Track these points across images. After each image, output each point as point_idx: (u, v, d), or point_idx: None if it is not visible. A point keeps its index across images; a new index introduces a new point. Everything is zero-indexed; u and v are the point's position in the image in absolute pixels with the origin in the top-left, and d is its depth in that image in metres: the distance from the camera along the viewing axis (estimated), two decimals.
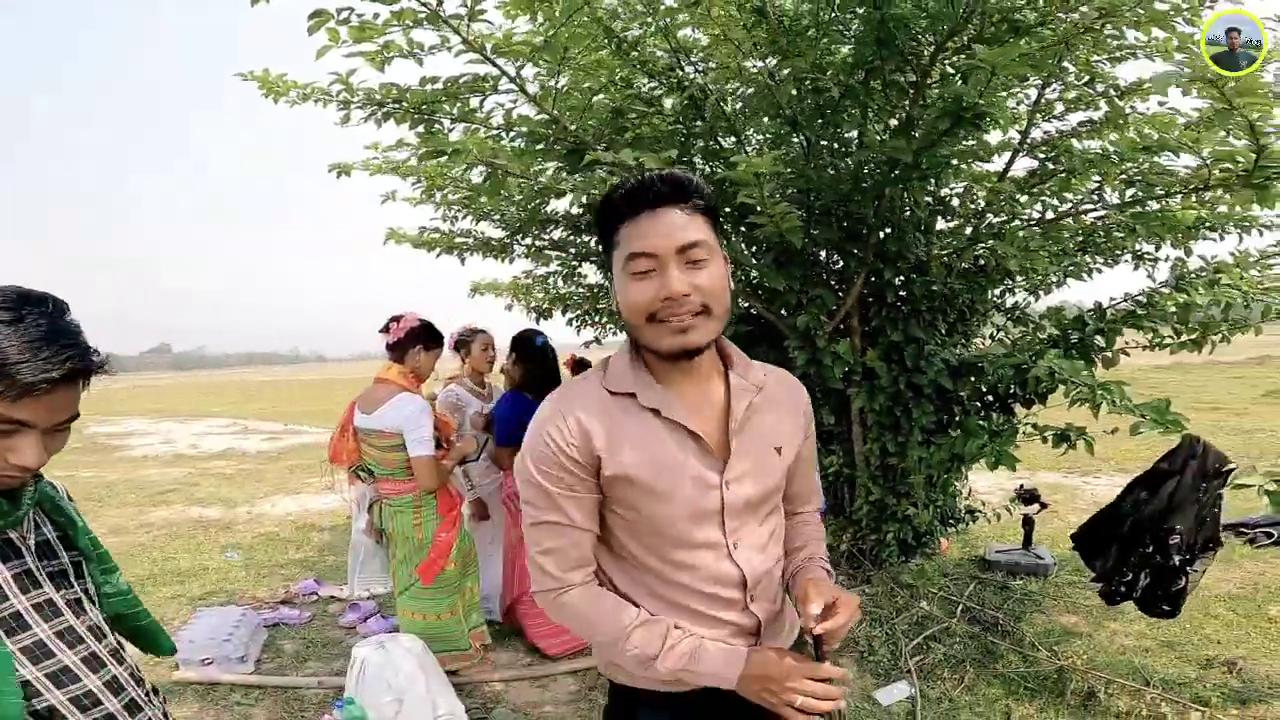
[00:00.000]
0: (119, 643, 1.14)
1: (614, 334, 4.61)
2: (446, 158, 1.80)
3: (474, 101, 2.16)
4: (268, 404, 21.56)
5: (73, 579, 1.06)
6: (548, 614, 1.14)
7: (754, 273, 3.17)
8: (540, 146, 2.62)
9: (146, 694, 1.16)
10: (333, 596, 4.12)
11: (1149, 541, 2.46)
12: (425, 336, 2.68)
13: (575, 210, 3.38)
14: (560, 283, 4.55)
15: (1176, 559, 2.39)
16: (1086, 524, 2.73)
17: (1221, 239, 3.07)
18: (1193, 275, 2.87)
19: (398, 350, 2.68)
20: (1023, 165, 3.15)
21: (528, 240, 3.92)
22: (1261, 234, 3.04)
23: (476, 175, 2.60)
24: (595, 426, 1.04)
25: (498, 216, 3.59)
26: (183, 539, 5.62)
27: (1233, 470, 2.31)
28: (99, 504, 6.97)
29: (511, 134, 2.41)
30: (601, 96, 2.52)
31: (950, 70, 2.02)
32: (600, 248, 1.12)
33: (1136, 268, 3.38)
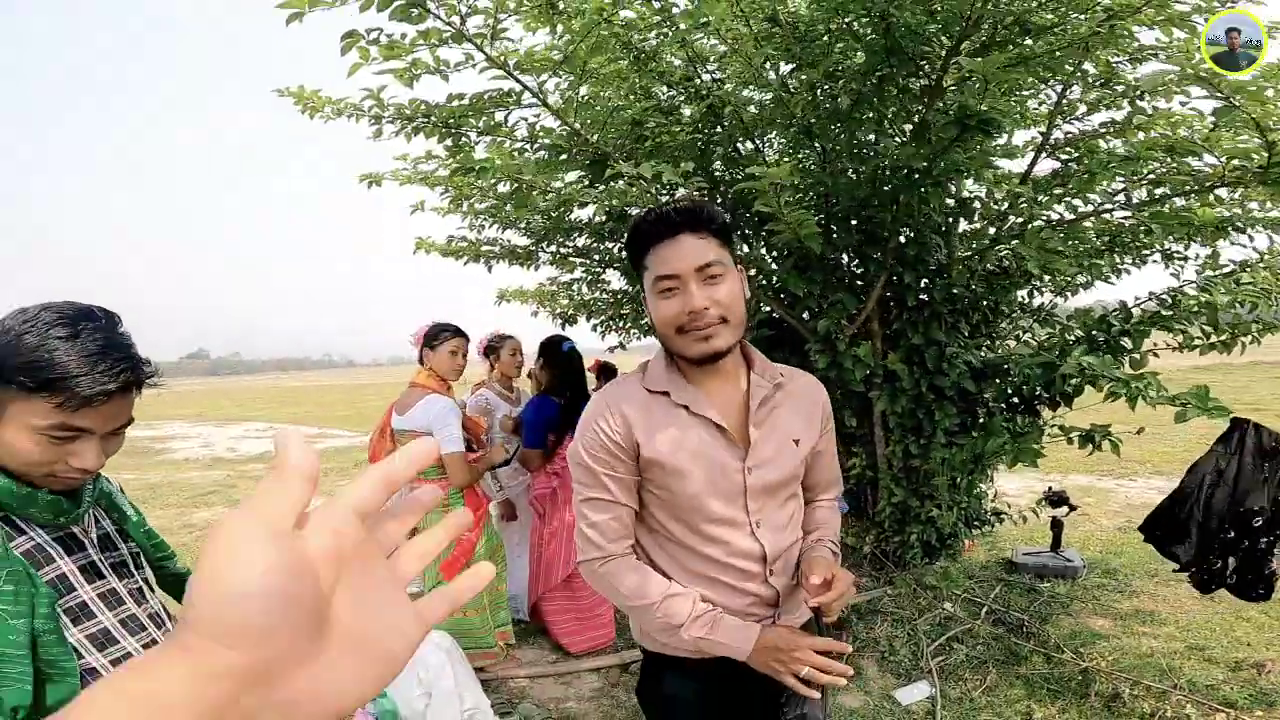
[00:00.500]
0: (163, 609, 1.20)
1: (638, 339, 4.68)
2: (475, 174, 1.88)
3: (499, 116, 2.25)
4: (301, 408, 22.08)
5: (133, 569, 1.13)
6: (590, 582, 1.29)
7: (775, 278, 3.21)
8: (564, 158, 2.70)
9: None
10: None
11: (1229, 526, 2.41)
12: (426, 338, 2.83)
13: (599, 218, 3.45)
14: (585, 289, 4.62)
15: (1262, 542, 2.35)
16: (1153, 513, 2.67)
17: (1251, 239, 3.03)
18: (1216, 275, 2.83)
19: (421, 356, 2.86)
20: (1046, 166, 3.14)
21: (552, 248, 4.01)
22: None
23: (504, 185, 2.69)
24: (636, 418, 1.22)
25: (523, 225, 3.67)
26: None
27: None
28: (143, 505, 7.19)
29: (535, 146, 2.49)
30: (621, 107, 2.58)
31: (957, 77, 2.04)
32: (633, 268, 1.31)
33: (1167, 266, 3.34)
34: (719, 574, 1.25)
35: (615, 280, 4.43)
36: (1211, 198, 2.56)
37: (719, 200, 3.01)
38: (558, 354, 3.29)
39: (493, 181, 1.98)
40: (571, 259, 4.17)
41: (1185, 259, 3.35)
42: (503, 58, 1.95)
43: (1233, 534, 2.39)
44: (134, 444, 12.98)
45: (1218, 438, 2.46)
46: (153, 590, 1.18)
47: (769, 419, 1.26)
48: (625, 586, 1.23)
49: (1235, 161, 2.02)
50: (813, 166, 2.88)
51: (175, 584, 1.30)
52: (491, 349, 3.59)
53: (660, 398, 1.23)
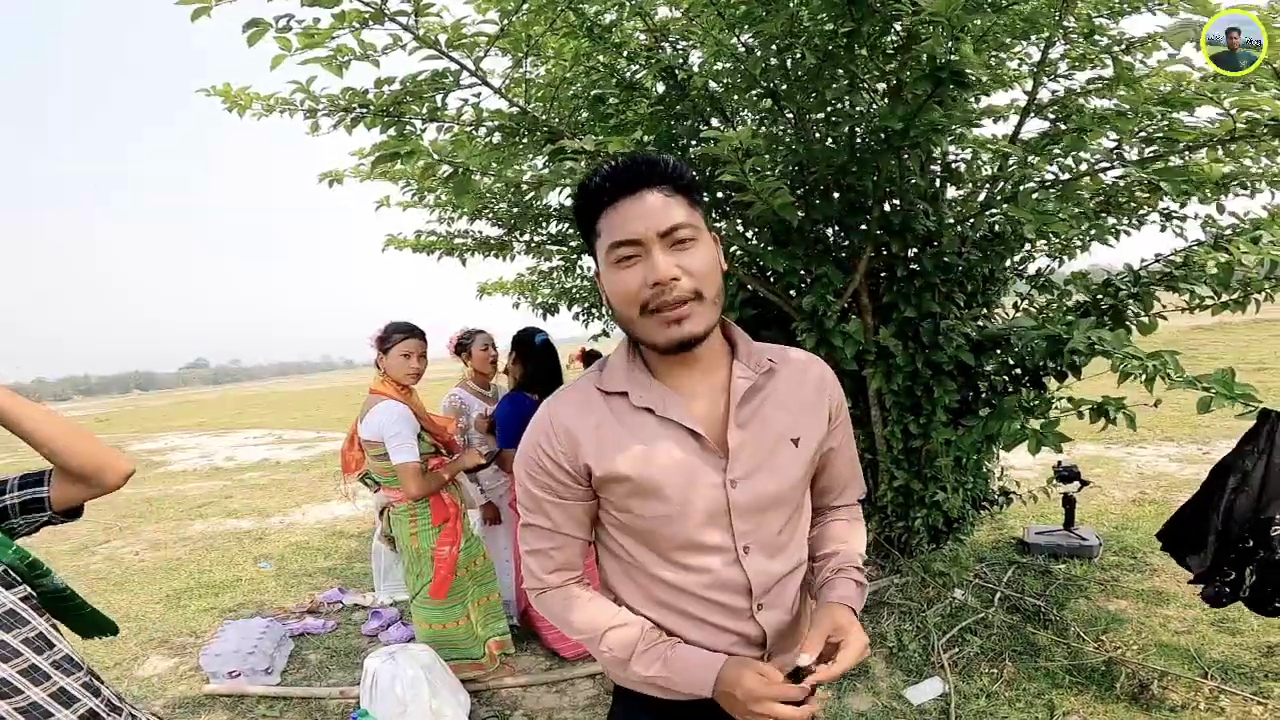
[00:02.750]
0: (70, 653, 1.17)
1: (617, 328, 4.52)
2: (401, 160, 1.71)
3: (438, 99, 2.06)
4: (301, 413, 22.04)
5: (24, 618, 1.10)
6: (535, 608, 1.13)
7: (756, 255, 3.02)
8: (524, 140, 2.52)
9: (108, 704, 1.18)
10: (357, 605, 4.13)
11: (1248, 535, 2.22)
12: (379, 341, 2.68)
13: (567, 202, 3.27)
14: (563, 277, 4.46)
15: None
16: (1172, 519, 2.45)
17: (1253, 196, 2.83)
18: (1232, 232, 2.64)
19: (376, 360, 2.72)
20: (1034, 127, 2.94)
21: (526, 236, 3.83)
22: None
23: (446, 173, 2.52)
24: (584, 433, 1.00)
25: (490, 215, 3.50)
26: (218, 551, 5.73)
27: None
28: (140, 519, 7.15)
29: (485, 130, 2.31)
30: (576, 85, 2.40)
31: (923, 23, 1.85)
32: (583, 237, 1.06)
33: (1164, 228, 3.14)
34: (694, 608, 1.03)
35: (593, 266, 4.27)
36: (1217, 153, 2.35)
37: None
38: (531, 347, 3.12)
39: (423, 166, 1.81)
40: (547, 247, 4.00)
41: (1184, 218, 3.16)
42: (431, 35, 1.77)
43: (1252, 543, 2.19)
44: (134, 459, 12.92)
45: (1244, 435, 2.24)
46: (37, 611, 1.14)
47: (756, 417, 1.02)
48: (567, 617, 1.06)
49: (1247, 114, 1.83)
50: (782, 133, 2.68)
51: (55, 601, 1.24)
52: (462, 346, 3.43)
53: (617, 400, 1.01)
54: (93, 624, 1.32)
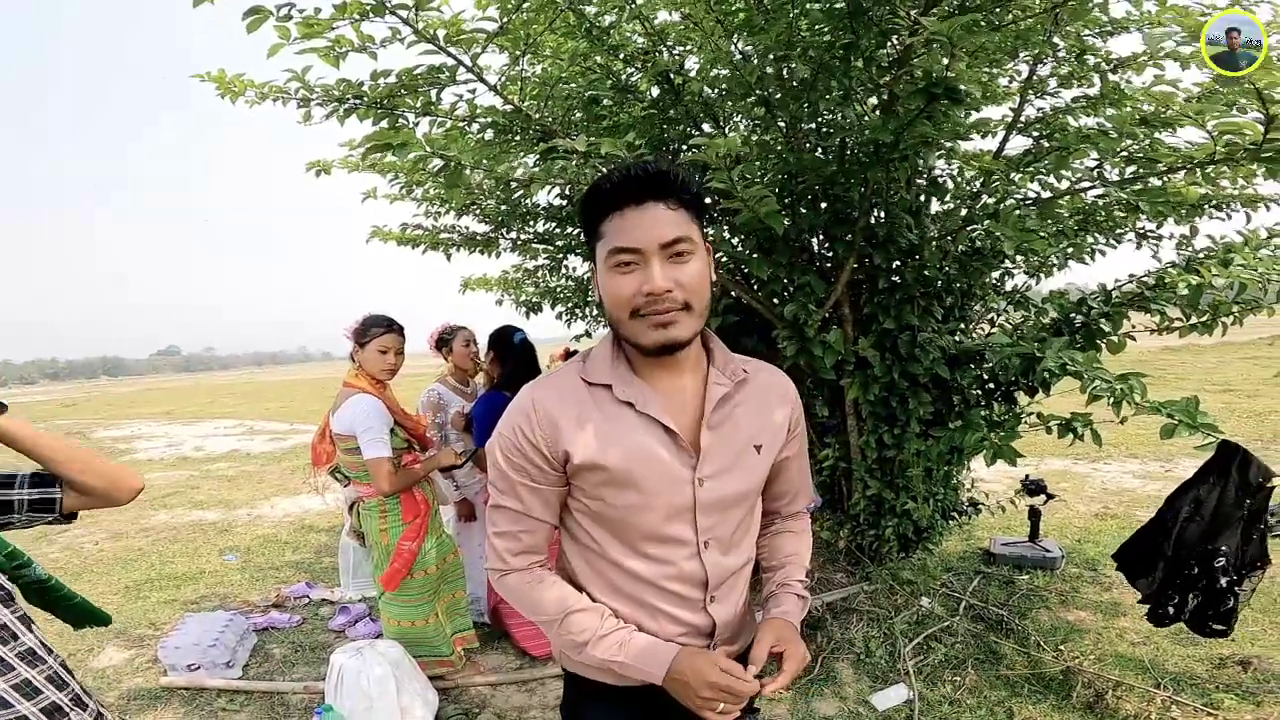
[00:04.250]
0: (42, 645, 1.16)
1: (604, 326, 4.52)
2: (393, 151, 1.71)
3: (433, 93, 2.06)
4: (274, 404, 21.65)
5: None
6: (496, 590, 1.18)
7: (741, 261, 3.06)
8: (517, 138, 2.52)
9: (74, 698, 1.17)
10: (325, 600, 4.07)
11: (1194, 562, 2.32)
12: (356, 334, 2.64)
13: (556, 202, 3.28)
14: (548, 275, 4.45)
15: (1224, 581, 2.26)
16: (1128, 541, 2.57)
17: (1228, 217, 2.94)
18: (1204, 255, 2.73)
19: (351, 353, 2.68)
20: (1018, 144, 3.02)
21: (512, 234, 3.83)
22: (1269, 209, 2.90)
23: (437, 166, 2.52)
24: (566, 420, 1.04)
25: (478, 211, 3.49)
26: (181, 543, 5.60)
27: (1276, 486, 2.19)
28: (101, 509, 6.97)
29: (477, 126, 2.31)
30: (571, 85, 2.41)
31: (923, 41, 1.90)
32: (584, 237, 1.11)
33: (1139, 247, 3.25)
34: (653, 598, 1.09)
35: (579, 266, 4.27)
36: (1199, 175, 2.44)
37: None
38: (509, 345, 3.12)
39: (414, 159, 1.81)
40: (533, 245, 3.99)
41: (1159, 238, 3.27)
42: (430, 30, 1.77)
43: (1197, 570, 2.30)
44: (98, 445, 12.59)
45: (1203, 465, 2.34)
46: (3, 603, 1.14)
47: (727, 421, 1.09)
48: (527, 600, 1.11)
49: (1228, 137, 1.90)
50: (773, 141, 2.72)
51: (39, 593, 1.26)
52: (443, 341, 3.41)
53: (601, 391, 1.06)
54: (83, 614, 1.33)
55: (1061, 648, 2.95)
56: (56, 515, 1.24)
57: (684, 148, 2.69)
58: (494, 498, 1.11)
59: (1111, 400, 2.16)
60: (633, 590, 1.10)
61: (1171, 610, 2.38)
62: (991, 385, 3.16)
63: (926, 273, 2.98)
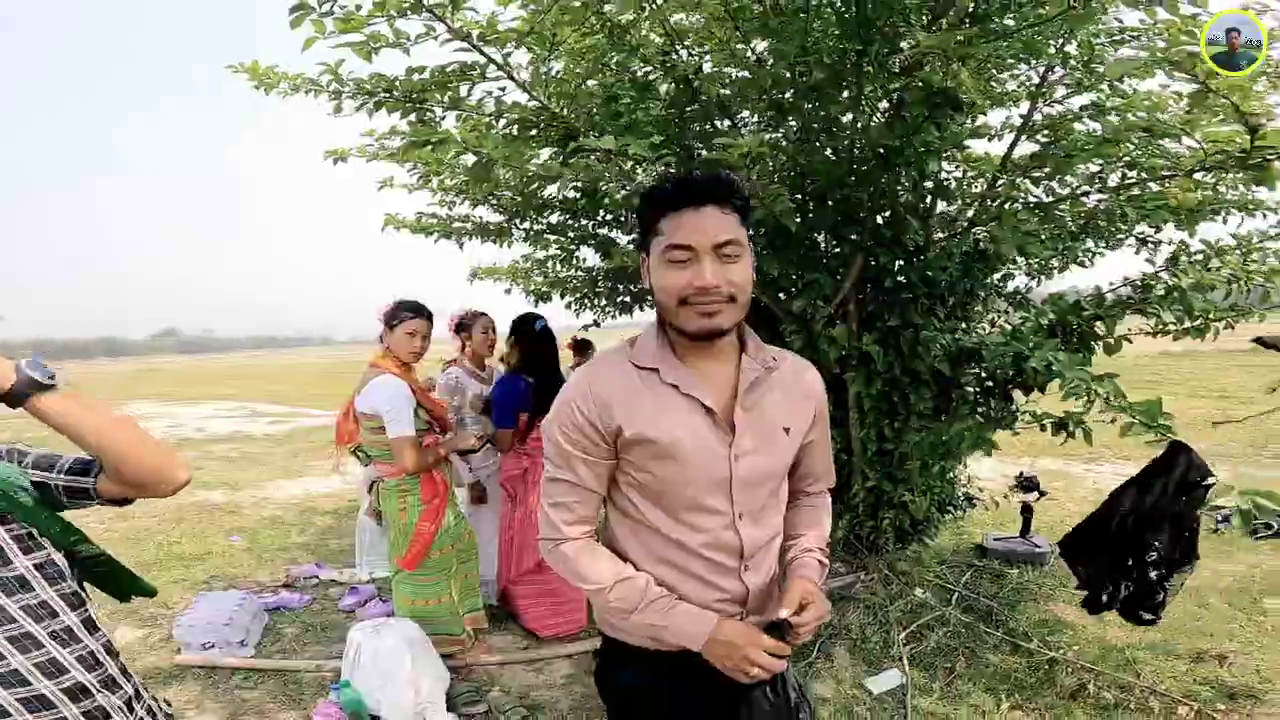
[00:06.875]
0: (84, 624, 1.14)
1: (613, 317, 4.62)
2: (432, 147, 1.78)
3: (463, 90, 2.14)
4: (275, 387, 21.69)
5: (11, 556, 1.07)
6: (546, 560, 1.24)
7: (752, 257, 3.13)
8: (532, 133, 2.60)
9: (106, 679, 1.14)
10: (334, 580, 4.16)
11: (1129, 554, 2.45)
12: (386, 317, 2.74)
13: (571, 195, 3.35)
14: (559, 266, 4.53)
15: (1154, 574, 2.38)
16: (1073, 531, 2.72)
17: (1224, 223, 3.02)
18: (1187, 260, 2.83)
19: (381, 334, 2.77)
20: (1027, 148, 3.10)
21: (525, 224, 3.90)
22: (1265, 216, 2.99)
23: (468, 158, 2.59)
24: (617, 398, 1.15)
25: (494, 201, 3.57)
26: (187, 523, 5.68)
27: (1213, 484, 2.30)
28: None
29: (502, 122, 2.39)
30: (592, 82, 2.48)
31: (926, 51, 1.98)
32: (638, 230, 1.23)
33: (1138, 251, 3.33)
34: (693, 565, 1.19)
35: (590, 257, 4.35)
36: (1190, 181, 2.53)
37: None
38: (530, 332, 3.22)
39: (452, 155, 1.89)
40: (545, 236, 4.07)
41: (1158, 244, 3.35)
42: (465, 29, 1.84)
43: (1131, 562, 2.42)
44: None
45: (1152, 462, 2.46)
46: (52, 579, 1.11)
47: (758, 404, 1.20)
48: (579, 568, 1.19)
49: (1216, 145, 1.99)
50: (786, 143, 2.80)
51: (93, 566, 1.22)
52: (463, 326, 3.49)
53: (649, 375, 1.17)
54: (131, 585, 1.31)
55: (1048, 639, 3.06)
56: (97, 501, 1.17)
57: (701, 146, 2.76)
58: (550, 472, 1.20)
59: (1086, 399, 2.27)
60: (675, 557, 1.19)
61: (1105, 598, 2.51)
62: (990, 383, 3.25)
63: (930, 273, 3.07)
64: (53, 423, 1.05)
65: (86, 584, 1.23)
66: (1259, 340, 2.59)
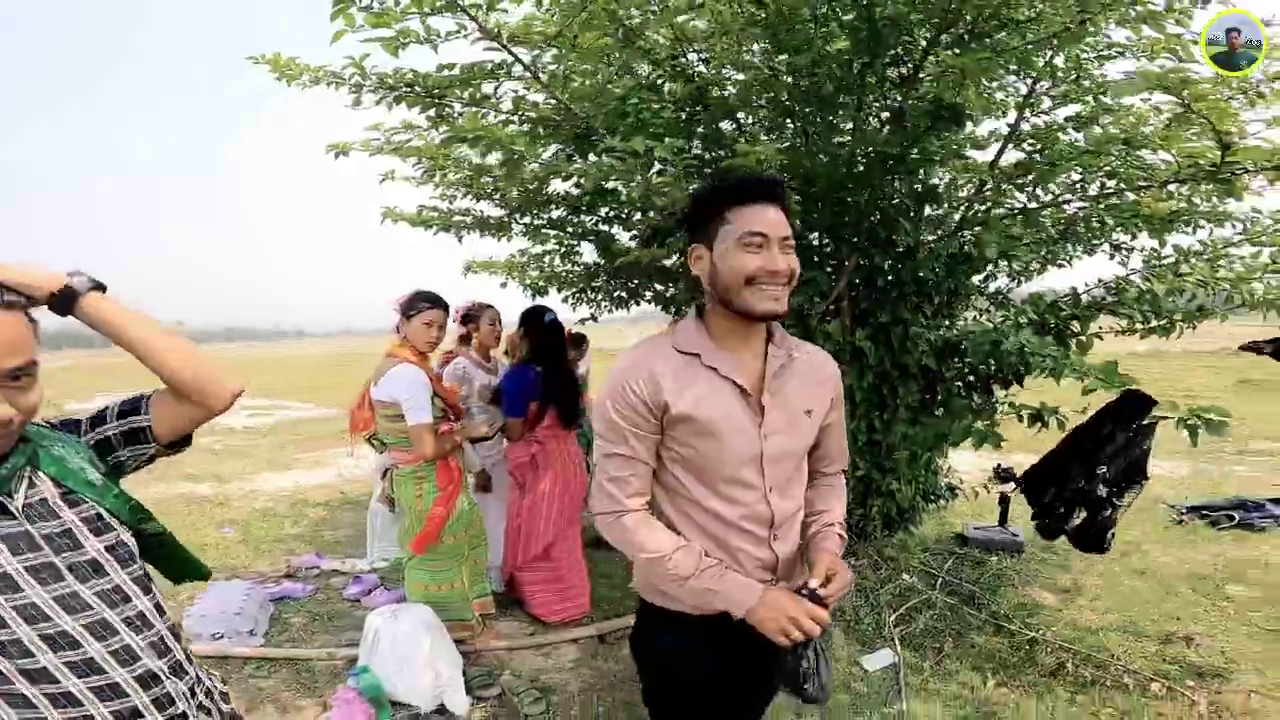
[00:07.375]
0: (154, 608, 1.10)
1: (609, 311, 4.72)
2: (467, 144, 1.86)
3: (486, 88, 2.21)
4: (252, 379, 21.35)
5: (83, 539, 1.03)
6: (605, 534, 1.34)
7: None
8: (548, 131, 2.67)
9: (174, 665, 1.11)
10: (335, 570, 4.19)
11: (1080, 477, 2.62)
12: (403, 307, 2.79)
13: (576, 191, 3.43)
14: (557, 261, 4.60)
15: (1103, 490, 2.55)
16: (1033, 467, 2.92)
17: (1194, 232, 3.21)
18: (1158, 265, 3.01)
19: (398, 324, 2.82)
20: (1011, 156, 3.26)
21: (526, 219, 3.97)
22: (1234, 226, 3.19)
23: (491, 158, 2.65)
24: (665, 377, 1.27)
25: (498, 196, 3.63)
26: (177, 516, 5.63)
27: (1156, 405, 2.48)
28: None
29: (520, 119, 2.46)
30: (611, 84, 2.56)
31: (934, 68, 2.10)
32: (693, 219, 1.33)
33: (1113, 257, 3.52)
34: (729, 535, 1.31)
35: (588, 253, 4.43)
36: (1163, 192, 2.70)
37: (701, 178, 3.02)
38: (540, 324, 3.31)
39: (477, 151, 1.97)
40: (545, 231, 4.15)
41: (1131, 250, 3.54)
42: (496, 29, 1.92)
43: (1082, 483, 2.59)
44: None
45: (1106, 405, 2.66)
46: (123, 561, 1.07)
47: (783, 389, 1.32)
48: (638, 539, 1.29)
49: (1192, 161, 2.15)
50: (790, 147, 2.91)
51: (155, 545, 1.18)
52: (470, 317, 3.56)
53: (691, 359, 1.29)
54: (188, 567, 1.26)
55: (1027, 621, 3.24)
56: (157, 445, 1.16)
57: (719, 154, 2.84)
58: (605, 448, 1.31)
59: (1054, 372, 2.44)
60: (713, 528, 1.31)
61: (1059, 523, 2.71)
62: (972, 377, 3.42)
63: (920, 273, 3.22)
64: (105, 325, 1.05)
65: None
66: (1249, 345, 2.78)
